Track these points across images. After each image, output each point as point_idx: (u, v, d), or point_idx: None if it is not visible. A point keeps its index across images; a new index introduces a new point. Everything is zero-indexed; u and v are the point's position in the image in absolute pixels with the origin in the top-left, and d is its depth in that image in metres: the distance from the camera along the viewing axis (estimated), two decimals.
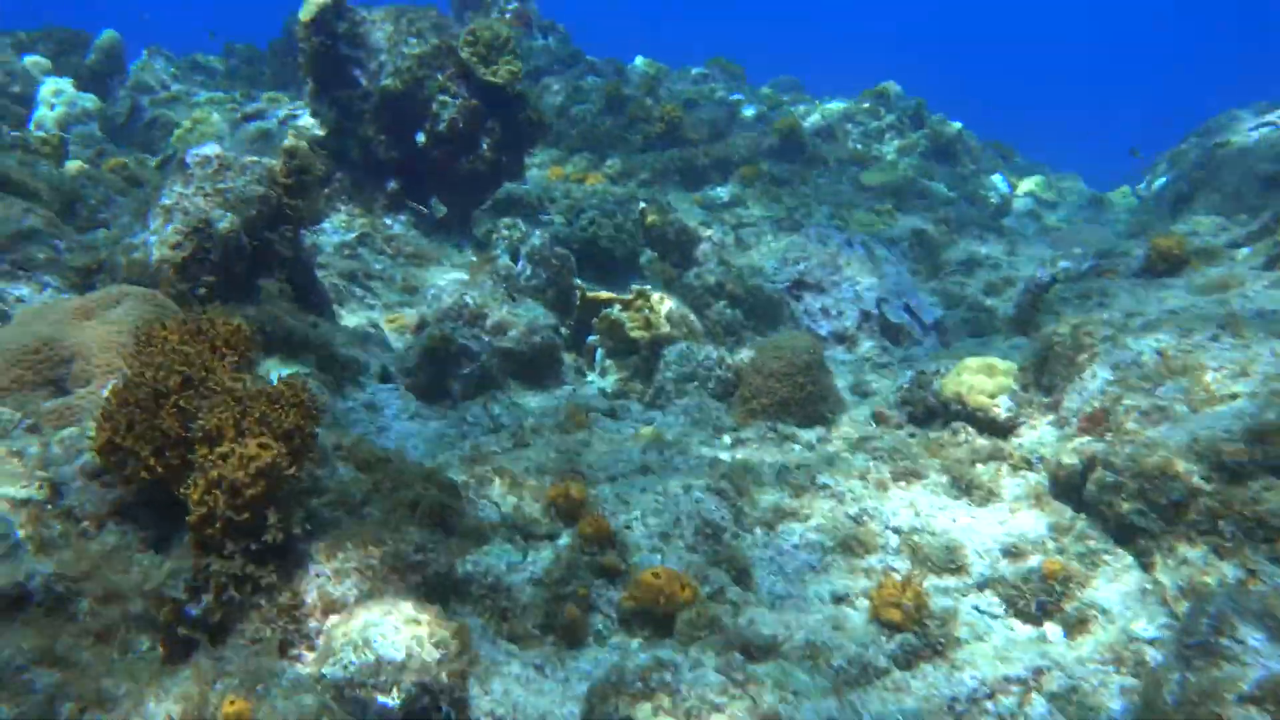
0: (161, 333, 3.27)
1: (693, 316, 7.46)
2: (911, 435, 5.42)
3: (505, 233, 7.59)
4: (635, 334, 7.01)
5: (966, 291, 11.21)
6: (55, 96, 9.53)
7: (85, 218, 5.93)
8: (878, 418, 5.76)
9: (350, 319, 6.66)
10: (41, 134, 7.65)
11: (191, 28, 22.27)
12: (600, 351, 7.01)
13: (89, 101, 9.83)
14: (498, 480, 4.33)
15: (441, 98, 7.57)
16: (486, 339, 6.54)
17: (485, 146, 7.76)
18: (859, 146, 15.89)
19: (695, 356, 6.94)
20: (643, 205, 10.87)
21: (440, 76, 7.62)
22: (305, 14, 7.45)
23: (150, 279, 5.08)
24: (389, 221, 7.90)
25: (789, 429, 6.22)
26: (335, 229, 7.58)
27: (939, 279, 11.57)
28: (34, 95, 9.83)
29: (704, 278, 10.06)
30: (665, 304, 7.29)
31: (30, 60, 10.24)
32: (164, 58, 15.57)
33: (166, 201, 5.37)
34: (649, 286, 7.36)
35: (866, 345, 10.08)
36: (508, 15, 17.16)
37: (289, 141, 5.80)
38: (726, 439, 6.30)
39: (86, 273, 4.97)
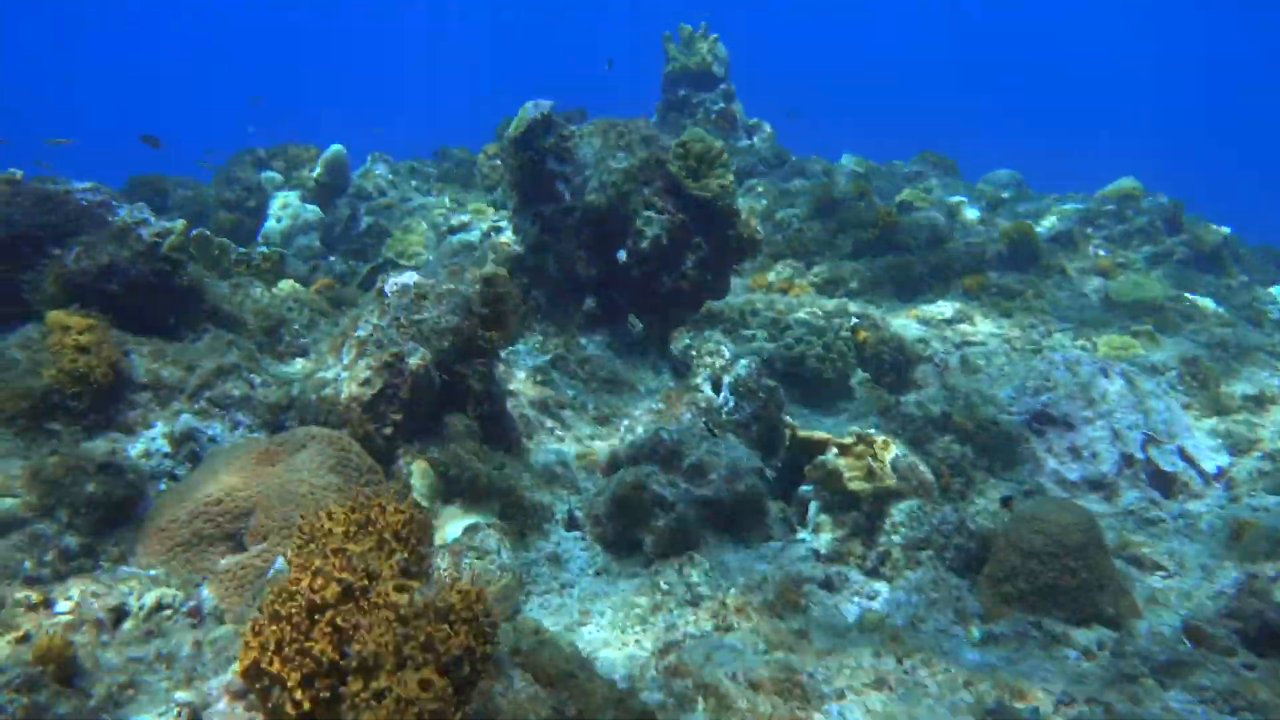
0: (326, 525, 2.85)
1: (923, 467, 6.45)
2: (1249, 669, 4.11)
3: (707, 359, 7.01)
4: (855, 486, 6.11)
5: (1259, 434, 9.34)
6: (282, 210, 10.29)
7: (288, 343, 5.94)
8: (1192, 633, 4.48)
9: (539, 454, 6.25)
10: (263, 251, 8.07)
11: (416, 135, 24.30)
12: (814, 504, 6.16)
13: (312, 213, 10.52)
14: (701, 702, 3.56)
15: (646, 213, 7.22)
16: (683, 486, 5.89)
17: (690, 264, 7.29)
18: (1103, 254, 14.25)
19: (929, 519, 5.92)
20: (855, 322, 10.04)
21: (646, 191, 7.30)
22: (514, 130, 7.43)
23: (339, 417, 4.87)
24: (584, 342, 7.56)
25: (1058, 626, 5.03)
26: (529, 350, 7.33)
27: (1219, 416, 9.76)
28: (267, 208, 10.73)
29: (926, 407, 8.99)
30: (890, 450, 6.35)
31: (266, 176, 11.22)
32: (385, 163, 16.80)
33: (361, 334, 5.22)
34: (872, 430, 6.45)
35: (1131, 497, 8.54)
36: (713, 117, 17.23)
37: (487, 269, 5.56)
38: (975, 632, 5.20)
39: (278, 409, 4.83)
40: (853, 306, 10.70)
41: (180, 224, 5.13)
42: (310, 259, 9.16)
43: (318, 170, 11.39)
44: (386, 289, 5.40)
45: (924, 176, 19.94)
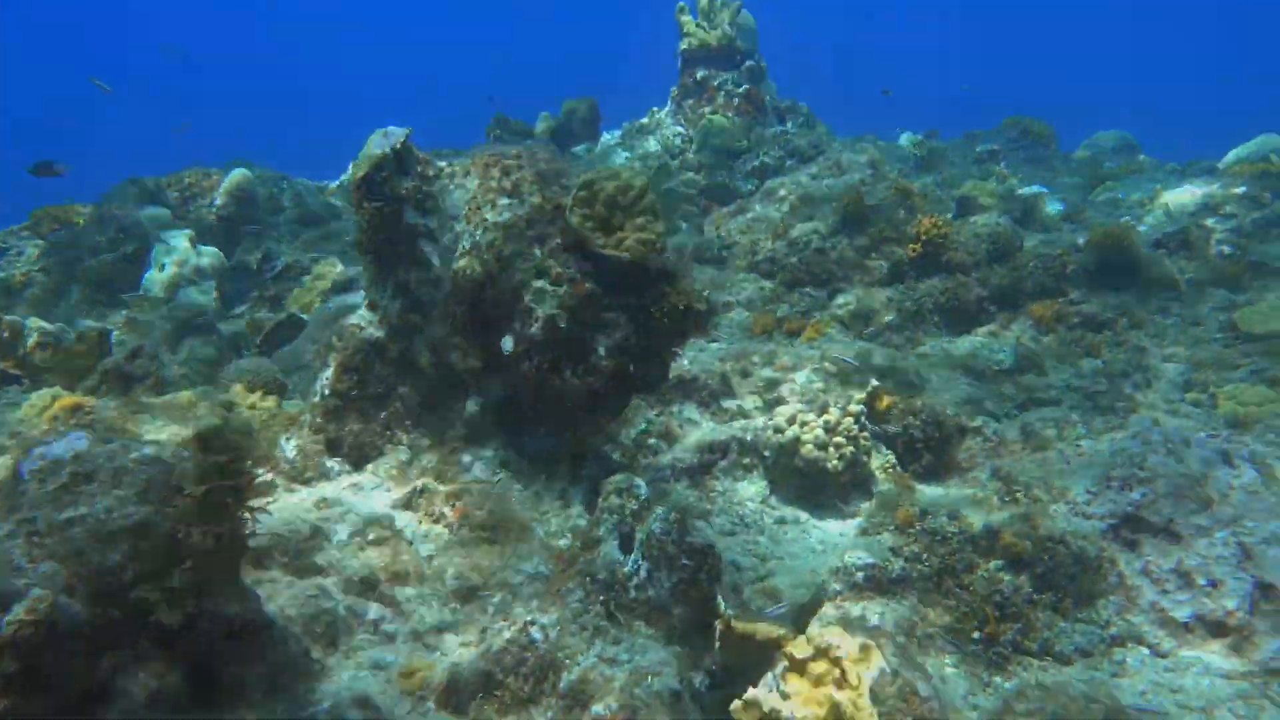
0: None
1: (925, 689, 4.22)
2: None
3: (614, 499, 4.94)
4: None
5: None
6: (166, 255, 8.61)
7: None
8: None
9: (337, 678, 4.30)
10: (84, 327, 6.38)
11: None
12: None
13: (208, 257, 8.83)
14: None
15: (537, 284, 5.18)
16: None
17: (603, 352, 5.22)
18: (1229, 250, 11.39)
19: None
20: (874, 385, 7.75)
21: (539, 253, 5.25)
22: (357, 170, 5.46)
23: None
24: (466, 459, 5.58)
25: None
26: (380, 481, 5.39)
27: None
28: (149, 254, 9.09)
29: (964, 519, 6.69)
30: (871, 665, 4.16)
31: (147, 213, 9.54)
32: None
33: None
34: (834, 643, 4.23)
35: (1271, 648, 6.13)
36: (735, 101, 14.89)
37: (206, 422, 3.63)
38: None
39: None
40: (878, 356, 8.37)
41: None
42: (184, 320, 7.42)
43: (219, 201, 9.67)
44: (23, 468, 3.52)
45: (1001, 156, 17.17)
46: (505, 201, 5.49)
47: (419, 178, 5.63)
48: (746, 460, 7.27)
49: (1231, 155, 15.37)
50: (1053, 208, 12.55)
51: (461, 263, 5.46)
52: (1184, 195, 12.70)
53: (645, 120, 15.09)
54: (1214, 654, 6.15)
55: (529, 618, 4.54)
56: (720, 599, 4.64)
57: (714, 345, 8.82)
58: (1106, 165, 16.72)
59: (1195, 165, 15.98)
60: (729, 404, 7.77)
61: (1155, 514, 6.81)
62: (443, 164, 5.74)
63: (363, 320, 5.84)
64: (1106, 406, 8.08)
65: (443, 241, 5.64)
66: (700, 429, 7.41)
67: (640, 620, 4.68)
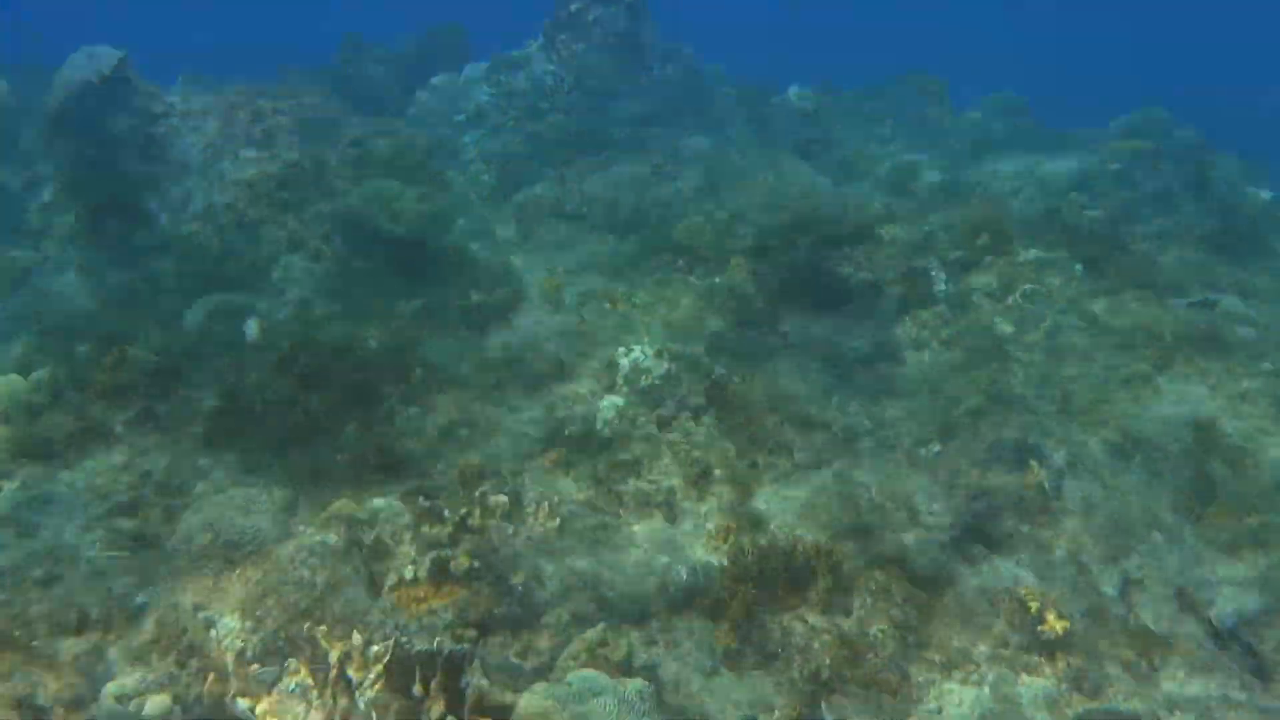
0: None
1: None
2: None
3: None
4: None
5: None
6: None
7: None
8: None
9: None
10: None
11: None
12: None
13: None
14: None
15: (287, 259, 4.18)
16: None
17: (375, 345, 4.30)
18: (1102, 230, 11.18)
19: None
20: (719, 373, 7.11)
21: (292, 221, 4.24)
22: (55, 100, 4.30)
23: None
24: (204, 462, 4.61)
25: None
26: (80, 493, 4.37)
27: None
28: None
29: (796, 531, 6.14)
30: None
31: None
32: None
33: None
34: None
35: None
36: (611, 39, 13.75)
37: None
38: None
39: None
40: (732, 340, 7.68)
41: None
42: None
43: None
44: None
45: (890, 117, 16.69)
46: (252, 154, 4.45)
47: (141, 115, 4.50)
48: (573, 455, 6.51)
49: (1113, 126, 15.18)
50: (928, 176, 12.10)
51: (193, 226, 4.40)
52: (1061, 169, 12.50)
53: (516, 54, 13.83)
54: (1046, 678, 5.81)
55: None
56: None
57: (556, 319, 7.96)
58: (994, 129, 16.29)
59: (1075, 136, 15.74)
60: (562, 389, 6.96)
61: (997, 527, 6.42)
62: (174, 99, 4.62)
63: (70, 287, 4.71)
64: (958, 403, 7.65)
65: (172, 196, 4.55)
66: (527, 414, 6.59)
67: None
